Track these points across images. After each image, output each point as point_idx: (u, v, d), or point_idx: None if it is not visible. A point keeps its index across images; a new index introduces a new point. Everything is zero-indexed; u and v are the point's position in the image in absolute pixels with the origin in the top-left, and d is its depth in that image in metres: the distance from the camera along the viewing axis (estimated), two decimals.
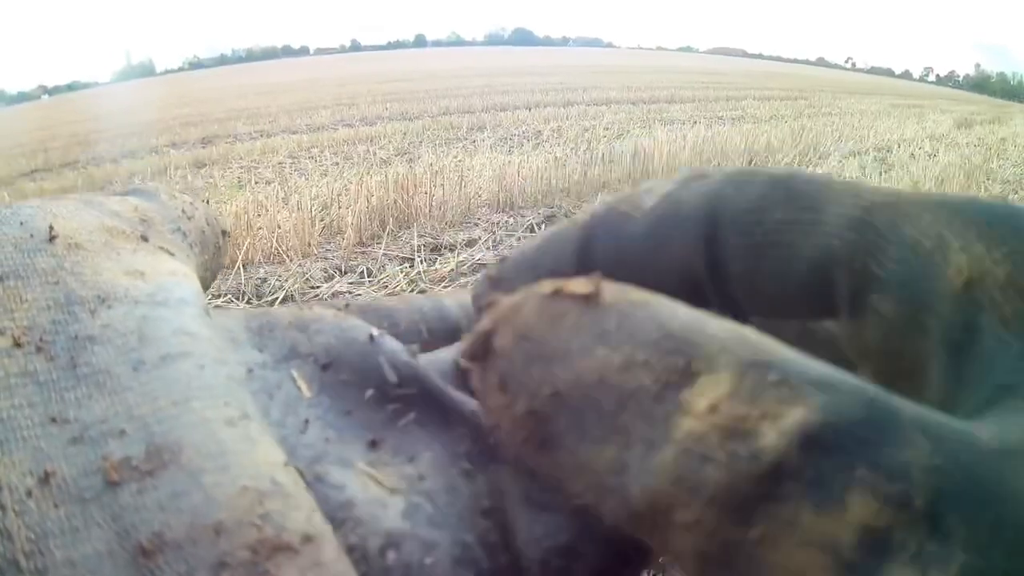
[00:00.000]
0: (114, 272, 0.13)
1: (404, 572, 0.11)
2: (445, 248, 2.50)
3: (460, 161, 3.70)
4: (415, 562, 0.11)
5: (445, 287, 2.13)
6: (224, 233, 0.18)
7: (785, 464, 0.07)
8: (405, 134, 5.43)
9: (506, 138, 5.09)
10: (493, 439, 0.13)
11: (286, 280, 2.17)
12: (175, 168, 4.56)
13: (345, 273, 2.28)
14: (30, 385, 0.10)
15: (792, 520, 0.07)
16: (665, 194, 0.13)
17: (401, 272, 2.23)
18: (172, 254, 0.15)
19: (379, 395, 0.13)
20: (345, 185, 3.08)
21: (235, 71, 30.95)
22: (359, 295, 2.03)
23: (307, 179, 3.62)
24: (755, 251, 0.11)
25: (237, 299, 2.06)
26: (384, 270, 2.28)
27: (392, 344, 0.14)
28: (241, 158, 4.80)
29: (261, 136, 5.92)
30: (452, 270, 2.25)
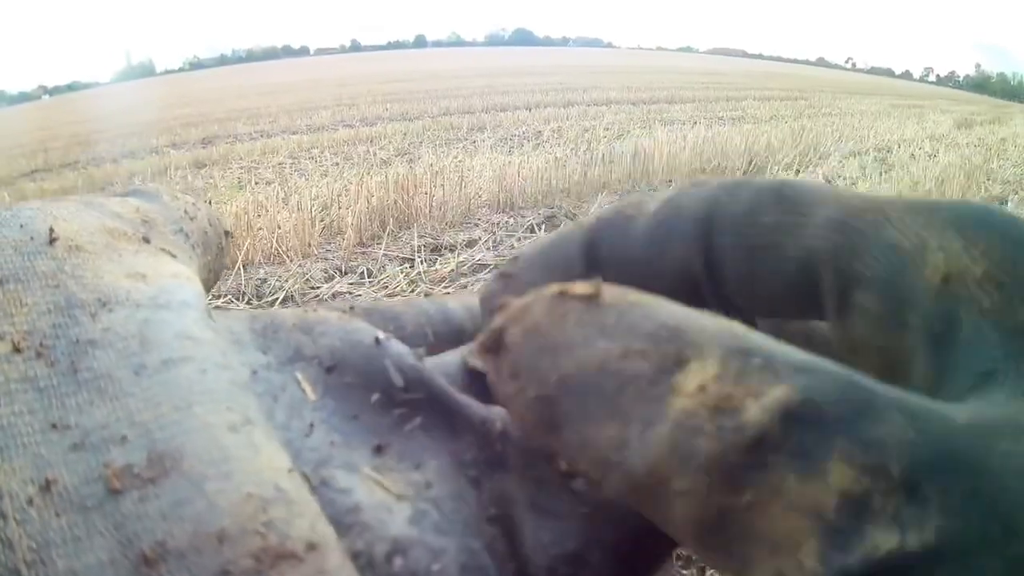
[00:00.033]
0: (115, 275, 0.12)
1: None
2: (445, 248, 2.50)
3: (460, 161, 3.70)
4: (422, 569, 0.11)
5: (445, 287, 2.13)
6: (227, 234, 0.18)
7: (768, 436, 0.08)
8: (405, 134, 5.43)
9: (506, 138, 5.10)
10: (500, 445, 0.13)
11: (286, 281, 2.17)
12: (175, 168, 4.56)
13: (345, 274, 2.28)
14: (30, 391, 0.10)
15: (778, 487, 0.08)
16: (667, 199, 0.13)
17: (401, 272, 2.23)
18: (174, 256, 0.14)
19: (385, 399, 0.13)
20: (345, 185, 3.08)
21: (235, 71, 30.98)
22: (359, 296, 2.03)
23: (307, 179, 3.62)
24: (747, 252, 0.12)
25: (237, 300, 2.06)
26: (384, 270, 2.28)
27: (398, 347, 0.13)
28: (241, 158, 4.81)
29: (261, 136, 5.92)
30: (452, 270, 2.25)
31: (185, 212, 0.16)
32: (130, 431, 0.10)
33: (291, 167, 4.30)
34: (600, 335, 0.09)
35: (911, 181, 3.60)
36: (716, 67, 20.05)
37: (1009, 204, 3.25)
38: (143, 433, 0.10)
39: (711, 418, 0.08)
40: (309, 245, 2.49)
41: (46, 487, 0.09)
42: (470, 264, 2.32)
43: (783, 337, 0.09)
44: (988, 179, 3.83)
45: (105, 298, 0.12)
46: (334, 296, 2.08)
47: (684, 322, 0.09)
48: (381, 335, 0.14)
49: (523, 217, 2.87)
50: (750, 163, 3.99)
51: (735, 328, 0.09)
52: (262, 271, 2.29)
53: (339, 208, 2.74)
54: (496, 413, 0.13)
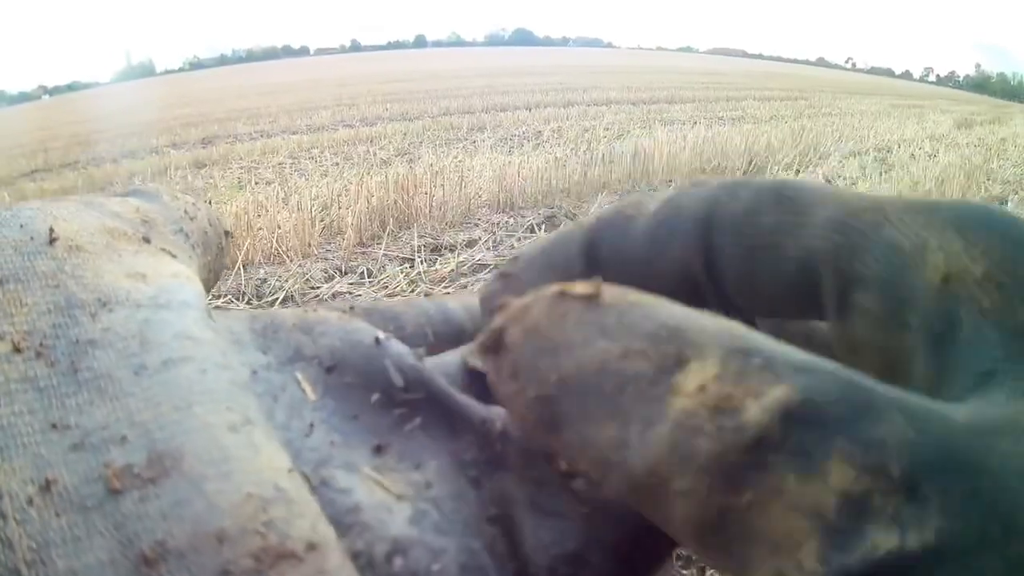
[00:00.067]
0: (115, 275, 0.12)
1: None
2: (445, 248, 2.50)
3: (460, 161, 3.70)
4: (422, 569, 0.11)
5: (445, 287, 2.13)
6: (227, 234, 0.18)
7: (768, 436, 0.08)
8: (405, 134, 5.43)
9: (506, 138, 5.09)
10: (500, 445, 0.13)
11: (286, 281, 2.17)
12: (175, 168, 4.56)
13: (345, 274, 2.28)
14: (30, 391, 0.10)
15: (778, 487, 0.08)
16: (667, 199, 0.13)
17: (401, 272, 2.23)
18: (174, 256, 0.14)
19: (385, 399, 0.13)
20: (345, 185, 3.08)
21: (235, 71, 30.96)
22: (359, 296, 2.03)
23: (307, 179, 3.62)
24: (747, 252, 0.12)
25: (237, 299, 2.06)
26: (384, 270, 2.28)
27: (398, 347, 0.13)
28: (241, 158, 4.80)
29: (261, 136, 5.92)
30: (452, 270, 2.25)
31: (185, 212, 0.16)
32: (130, 431, 0.10)
33: (291, 167, 4.29)
34: (600, 335, 0.09)
35: (911, 181, 3.60)
36: (716, 67, 20.04)
37: (1009, 204, 3.25)
38: (143, 433, 0.10)
39: (711, 418, 0.08)
40: (309, 245, 2.49)
41: (46, 487, 0.09)
42: (470, 264, 2.32)
43: (783, 337, 0.09)
44: (988, 179, 3.83)
45: (105, 298, 0.12)
46: (334, 296, 2.07)
47: (684, 322, 0.09)
48: (381, 335, 0.14)
49: (523, 217, 2.87)
50: (750, 163, 3.99)
51: (735, 328, 0.09)
52: (262, 271, 2.29)
53: (339, 208, 2.74)
54: (496, 413, 0.13)
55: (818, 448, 0.08)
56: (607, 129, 5.37)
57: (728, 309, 0.12)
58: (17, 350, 0.10)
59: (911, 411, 0.08)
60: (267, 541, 0.09)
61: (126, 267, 0.13)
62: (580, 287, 0.10)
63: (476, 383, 0.14)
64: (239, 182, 3.88)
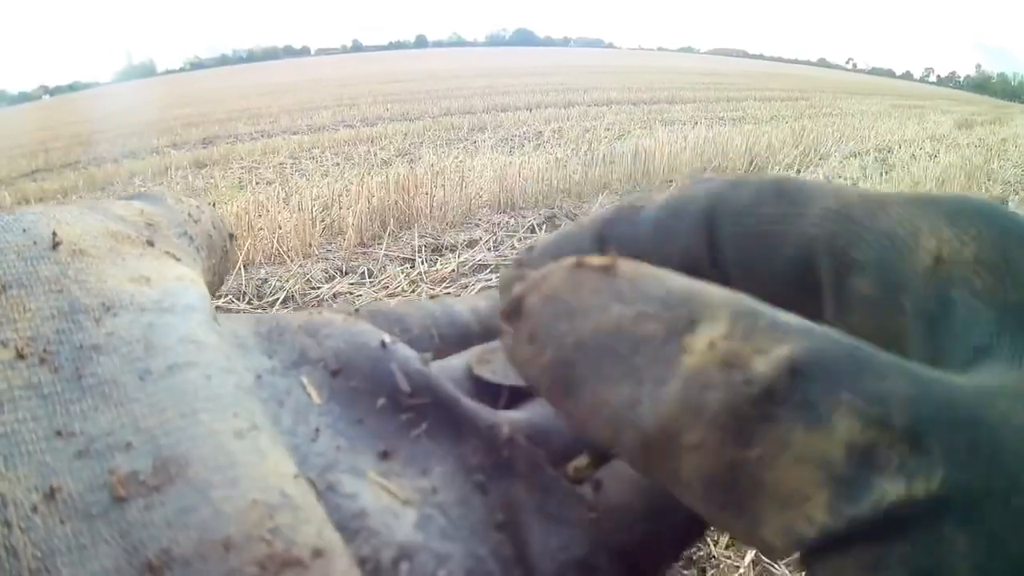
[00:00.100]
0: (119, 279, 0.12)
1: None
2: (446, 249, 2.50)
3: (461, 162, 3.69)
4: (428, 574, 0.11)
5: (446, 288, 2.12)
6: (231, 237, 0.18)
7: (775, 389, 0.08)
8: (406, 135, 5.43)
9: (507, 139, 5.09)
10: (507, 451, 0.13)
11: (287, 281, 2.17)
12: (176, 169, 4.55)
13: (346, 274, 2.28)
14: (34, 398, 0.10)
15: (785, 439, 0.08)
16: (674, 192, 0.14)
17: (402, 273, 2.23)
18: (178, 259, 0.14)
19: (391, 404, 0.13)
20: (346, 186, 3.08)
21: (236, 71, 30.96)
22: (360, 296, 2.03)
23: (308, 180, 3.62)
24: (748, 241, 0.12)
25: (238, 300, 2.06)
26: (385, 271, 2.28)
27: (405, 351, 0.13)
28: (242, 159, 4.80)
29: (262, 136, 5.92)
30: (453, 271, 2.25)
31: (189, 215, 0.16)
32: (135, 438, 0.10)
33: (292, 167, 4.29)
34: (615, 300, 0.10)
35: (912, 181, 3.59)
36: (717, 67, 20.04)
37: (1009, 204, 3.25)
38: (148, 440, 0.10)
39: (720, 373, 0.08)
40: (310, 245, 2.49)
41: (51, 495, 0.09)
42: (471, 264, 2.32)
43: None
44: (989, 179, 3.83)
45: (109, 302, 0.12)
46: (335, 296, 2.07)
47: (694, 289, 0.10)
48: (387, 338, 0.13)
49: (524, 217, 2.86)
50: (751, 163, 3.98)
51: (742, 296, 0.09)
52: (263, 271, 2.29)
53: (340, 208, 2.74)
54: (503, 418, 0.13)
55: (824, 401, 0.08)
56: (608, 129, 5.37)
57: None
58: (20, 356, 0.10)
59: (912, 372, 0.08)
60: (273, 548, 0.09)
61: (130, 271, 0.13)
62: (596, 259, 0.10)
63: (481, 393, 0.14)
64: (240, 182, 3.88)
